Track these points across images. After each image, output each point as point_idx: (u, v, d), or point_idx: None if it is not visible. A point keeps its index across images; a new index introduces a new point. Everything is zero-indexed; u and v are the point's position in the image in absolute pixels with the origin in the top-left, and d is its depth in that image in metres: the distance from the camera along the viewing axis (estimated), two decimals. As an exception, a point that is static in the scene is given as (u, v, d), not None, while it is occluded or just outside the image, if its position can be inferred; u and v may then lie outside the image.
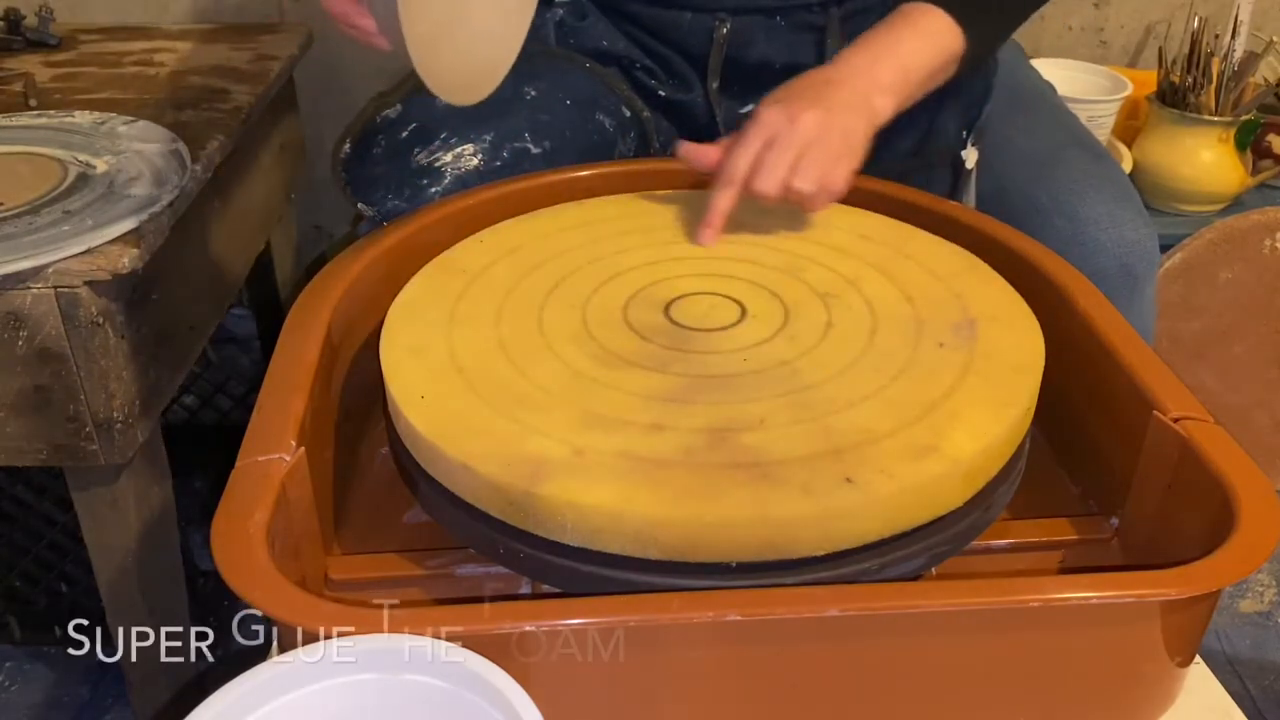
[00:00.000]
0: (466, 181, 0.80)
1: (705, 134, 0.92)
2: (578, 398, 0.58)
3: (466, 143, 0.81)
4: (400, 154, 0.81)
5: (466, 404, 0.58)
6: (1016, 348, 0.62)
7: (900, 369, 0.60)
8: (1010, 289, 0.68)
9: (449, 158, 0.80)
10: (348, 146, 0.84)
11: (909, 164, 0.88)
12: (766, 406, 0.57)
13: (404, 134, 0.81)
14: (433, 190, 0.79)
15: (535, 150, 0.82)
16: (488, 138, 0.81)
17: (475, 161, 0.80)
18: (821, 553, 0.52)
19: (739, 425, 0.56)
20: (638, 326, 0.64)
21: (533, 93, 0.83)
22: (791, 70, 0.89)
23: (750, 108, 0.91)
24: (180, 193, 0.86)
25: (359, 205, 0.80)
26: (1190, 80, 1.22)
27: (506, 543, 0.54)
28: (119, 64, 1.17)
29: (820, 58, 0.89)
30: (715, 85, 0.89)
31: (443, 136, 0.81)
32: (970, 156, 0.86)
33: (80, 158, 0.92)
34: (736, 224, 0.76)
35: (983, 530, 0.58)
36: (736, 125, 0.91)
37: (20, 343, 0.79)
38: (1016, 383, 0.60)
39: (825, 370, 0.60)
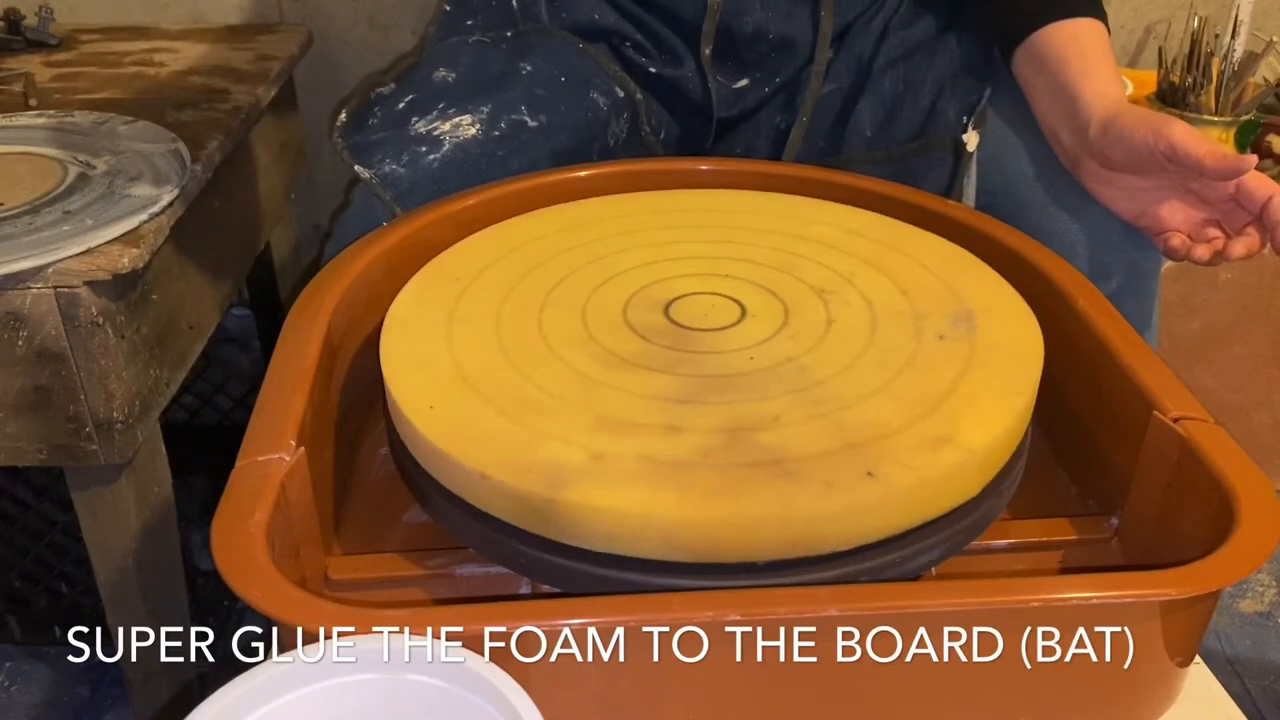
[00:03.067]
0: (466, 150, 0.80)
1: (698, 113, 0.92)
2: (588, 401, 0.57)
3: (464, 113, 0.81)
4: (398, 123, 0.81)
5: (476, 411, 0.57)
6: (1015, 338, 0.63)
7: (905, 362, 0.61)
8: (1002, 281, 0.68)
9: (447, 126, 0.80)
10: (344, 115, 0.84)
11: (910, 148, 0.89)
12: (779, 404, 0.57)
13: (401, 105, 0.82)
14: (431, 157, 0.80)
15: (532, 123, 0.82)
16: (485, 109, 0.81)
17: (473, 131, 0.81)
18: (845, 548, 0.52)
19: (755, 424, 0.56)
20: (639, 328, 0.64)
21: (529, 68, 0.84)
22: (785, 42, 0.89)
23: (744, 82, 0.91)
24: (180, 193, 0.86)
25: (356, 168, 0.80)
26: (1190, 80, 1.22)
27: (529, 553, 0.54)
28: (119, 64, 1.17)
29: (814, 29, 0.89)
30: (708, 52, 0.89)
31: (440, 107, 0.81)
32: (971, 140, 0.86)
33: (80, 158, 0.92)
34: (728, 224, 0.76)
35: (995, 518, 0.59)
36: (729, 103, 0.91)
37: (20, 343, 0.79)
38: (1019, 372, 0.60)
39: (832, 366, 0.60)
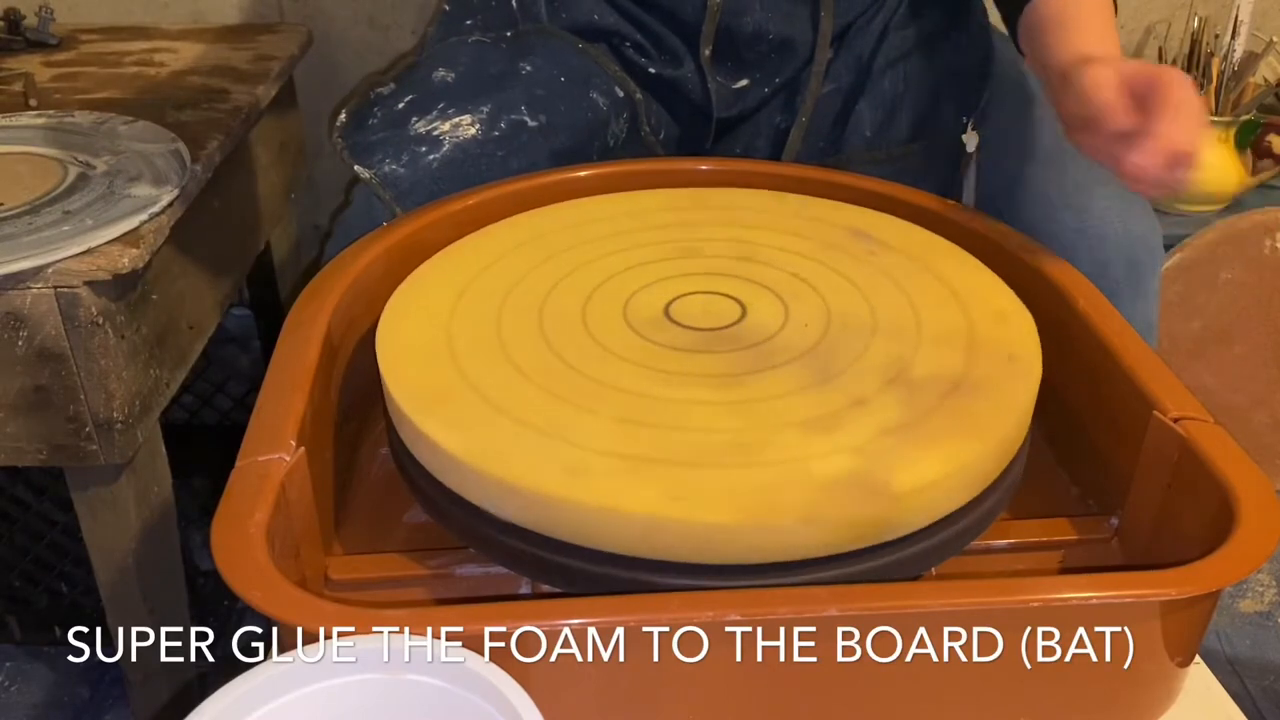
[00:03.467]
0: (466, 150, 0.80)
1: (698, 113, 0.92)
2: (773, 419, 0.56)
3: (464, 113, 0.81)
4: (398, 123, 0.81)
5: (646, 481, 0.53)
6: (913, 236, 0.73)
7: (908, 301, 0.66)
8: (863, 210, 0.76)
9: (447, 127, 0.80)
10: (344, 115, 0.84)
11: (910, 148, 0.89)
12: (883, 349, 0.62)
13: (400, 105, 0.82)
14: (431, 157, 0.80)
15: (532, 123, 0.82)
16: (485, 109, 0.81)
17: (473, 131, 0.81)
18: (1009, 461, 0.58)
19: (897, 370, 0.60)
20: (682, 344, 0.63)
21: (528, 68, 0.84)
22: (784, 43, 0.89)
23: (744, 83, 0.91)
24: (180, 193, 0.86)
25: (356, 168, 0.80)
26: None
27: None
28: (119, 64, 1.17)
29: (814, 30, 0.89)
30: (708, 52, 0.89)
31: (440, 107, 0.81)
32: (970, 141, 0.86)
33: (80, 158, 0.92)
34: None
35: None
36: (729, 103, 0.91)
37: (20, 343, 0.79)
38: (983, 279, 0.68)
39: (864, 314, 0.65)
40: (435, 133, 0.80)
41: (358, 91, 0.86)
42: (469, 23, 0.90)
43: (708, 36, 0.89)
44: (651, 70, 0.90)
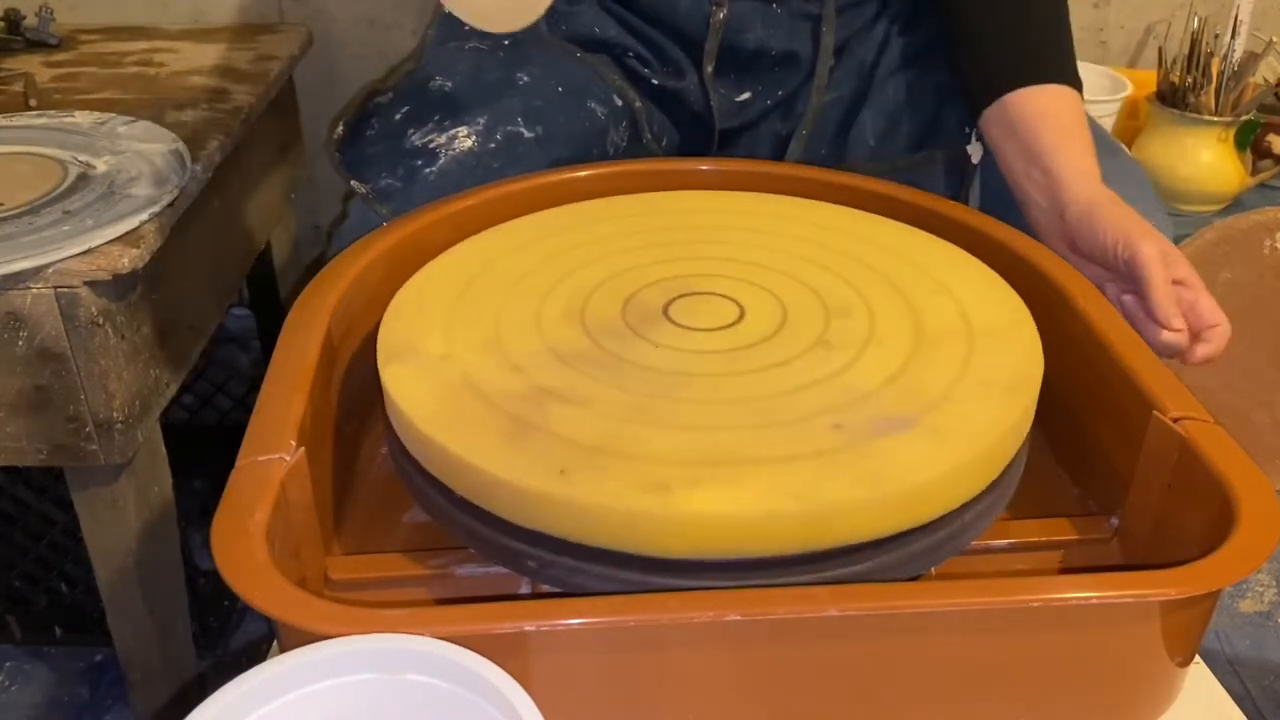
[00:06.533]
0: (462, 162, 0.80)
1: (699, 122, 0.92)
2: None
3: (460, 125, 0.81)
4: (394, 135, 0.81)
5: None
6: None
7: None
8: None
9: (443, 139, 0.80)
10: (341, 128, 0.84)
11: (914, 159, 0.88)
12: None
13: (397, 116, 0.81)
14: (427, 170, 0.79)
15: (528, 134, 0.82)
16: (481, 120, 0.81)
17: (469, 143, 0.80)
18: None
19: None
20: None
21: (525, 78, 0.83)
22: (787, 57, 0.89)
23: (747, 95, 0.91)
24: (180, 193, 0.87)
25: (352, 183, 0.80)
26: (1190, 80, 1.22)
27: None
28: (119, 64, 1.17)
29: (815, 46, 0.89)
30: (710, 69, 0.89)
31: (436, 119, 0.81)
32: (975, 152, 0.86)
33: (80, 158, 0.92)
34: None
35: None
36: (731, 114, 0.91)
37: (20, 343, 0.79)
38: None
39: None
40: (431, 145, 0.80)
41: (355, 103, 0.86)
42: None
43: (710, 53, 0.88)
44: (654, 81, 0.90)
